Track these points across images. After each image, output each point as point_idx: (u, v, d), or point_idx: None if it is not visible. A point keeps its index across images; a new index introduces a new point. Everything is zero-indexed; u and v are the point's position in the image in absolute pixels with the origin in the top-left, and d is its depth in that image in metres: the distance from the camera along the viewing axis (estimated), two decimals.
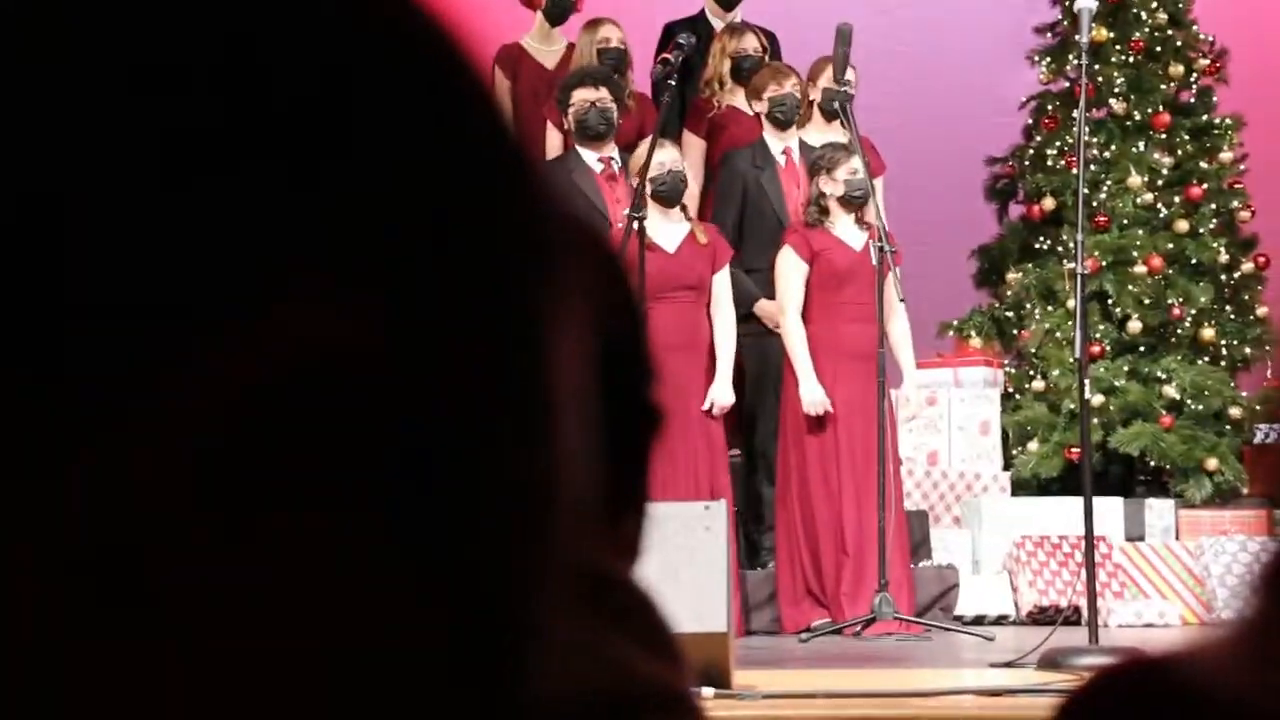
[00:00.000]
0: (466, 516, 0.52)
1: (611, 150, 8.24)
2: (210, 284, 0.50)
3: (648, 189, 7.73)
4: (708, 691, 4.92)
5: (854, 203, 7.89)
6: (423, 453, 0.51)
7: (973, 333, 10.13)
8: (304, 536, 0.50)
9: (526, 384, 0.54)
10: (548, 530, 0.54)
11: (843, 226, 7.94)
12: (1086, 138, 7.94)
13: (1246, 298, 10.25)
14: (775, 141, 8.45)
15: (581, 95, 8.20)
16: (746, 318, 8.15)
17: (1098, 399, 9.50)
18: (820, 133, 8.48)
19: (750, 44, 8.92)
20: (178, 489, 0.50)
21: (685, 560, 6.81)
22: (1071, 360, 8.37)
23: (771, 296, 8.07)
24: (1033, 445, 9.86)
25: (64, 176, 0.50)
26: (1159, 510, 9.38)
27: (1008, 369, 10.09)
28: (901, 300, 7.82)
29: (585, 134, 8.20)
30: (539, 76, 9.14)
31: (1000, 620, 8.58)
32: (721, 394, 7.88)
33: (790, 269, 7.91)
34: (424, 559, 0.52)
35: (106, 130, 0.50)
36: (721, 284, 7.94)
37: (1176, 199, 10.19)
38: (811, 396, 7.82)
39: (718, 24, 9.31)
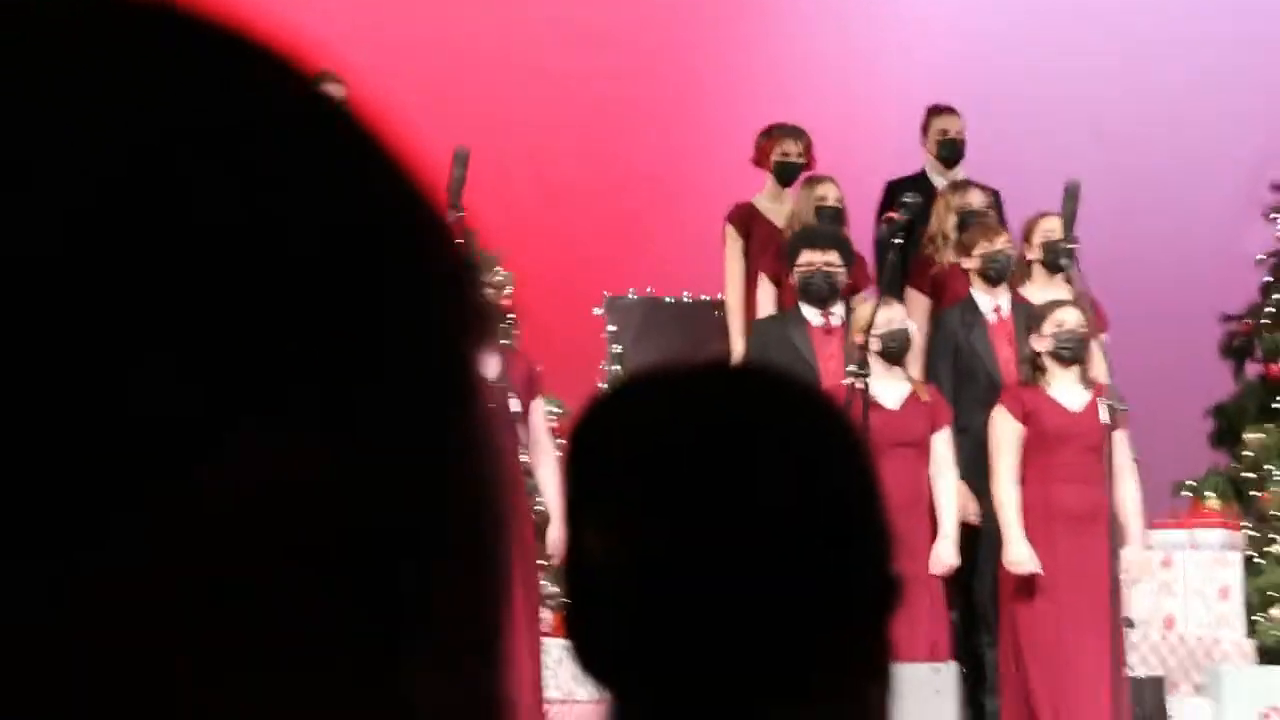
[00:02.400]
0: (415, 628, 0.54)
1: (834, 306, 8.24)
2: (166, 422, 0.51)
3: (873, 347, 7.70)
4: None
5: (1063, 358, 7.75)
6: (371, 580, 0.53)
7: (1209, 493, 9.88)
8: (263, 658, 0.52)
9: (472, 498, 0.55)
10: (496, 629, 0.56)
11: (1060, 385, 7.80)
12: None
13: None
14: (985, 298, 8.37)
15: (809, 257, 8.23)
16: None
17: None
18: (1041, 289, 8.39)
19: (976, 200, 8.89)
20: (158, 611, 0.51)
21: None
22: None
23: (982, 455, 7.95)
24: (1276, 611, 9.54)
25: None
26: None
27: (1247, 531, 9.81)
28: (1134, 460, 7.67)
29: (809, 295, 8.22)
30: (770, 236, 9.20)
31: None
32: (947, 554, 7.77)
33: (1002, 430, 7.79)
34: (375, 673, 0.53)
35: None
36: (943, 443, 7.86)
37: None
38: (1015, 558, 7.66)
39: (939, 182, 9.30)
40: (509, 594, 0.56)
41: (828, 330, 8.20)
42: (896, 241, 7.97)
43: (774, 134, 9.39)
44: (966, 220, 8.80)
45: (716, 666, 1.29)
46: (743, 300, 9.20)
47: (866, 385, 7.52)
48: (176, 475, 0.50)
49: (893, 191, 9.06)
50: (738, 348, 9.09)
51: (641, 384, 1.38)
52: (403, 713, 0.53)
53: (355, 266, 0.53)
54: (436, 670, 0.53)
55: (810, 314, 8.24)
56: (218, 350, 0.51)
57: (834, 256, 8.23)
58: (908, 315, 8.14)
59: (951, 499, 7.86)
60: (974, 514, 8.03)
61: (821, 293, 8.19)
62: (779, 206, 9.32)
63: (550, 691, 7.57)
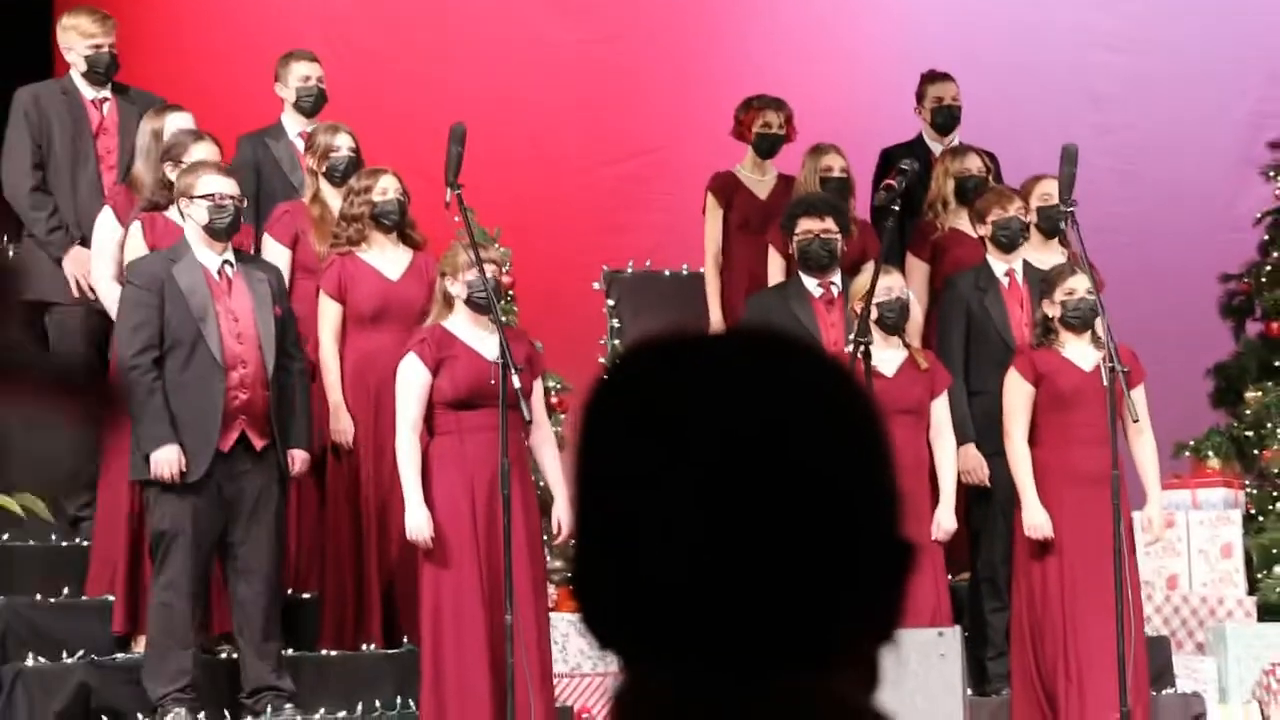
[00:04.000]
0: None
1: (834, 275, 8.23)
2: None
3: (872, 315, 7.70)
4: None
5: (1074, 324, 7.78)
6: None
7: (1211, 453, 9.89)
8: None
9: None
10: None
11: (1072, 347, 7.82)
12: None
13: None
14: (998, 264, 8.38)
15: (806, 225, 8.21)
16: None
17: None
18: (1037, 252, 8.39)
19: (974, 164, 8.88)
20: None
21: (920, 687, 6.69)
22: None
23: (997, 418, 7.96)
24: (1278, 569, 9.56)
25: None
26: None
27: (1249, 490, 9.82)
28: (1135, 420, 7.68)
29: (808, 263, 8.21)
30: (752, 206, 9.20)
31: None
32: (946, 519, 7.78)
33: (1015, 392, 7.81)
34: None
35: None
36: (941, 410, 7.88)
37: None
38: (1033, 520, 7.69)
39: (935, 148, 9.29)
40: None
41: (829, 300, 8.20)
42: (895, 208, 7.96)
43: (753, 106, 9.34)
44: (965, 185, 8.80)
45: (734, 633, 1.26)
46: (719, 269, 9.18)
47: (869, 352, 7.51)
48: None
49: (888, 159, 9.05)
50: (715, 317, 9.08)
51: (651, 352, 1.35)
52: None
53: None
54: None
55: (810, 284, 8.24)
56: None
57: (830, 224, 8.21)
58: (906, 283, 8.14)
59: (951, 464, 7.88)
60: (985, 477, 8.04)
61: (820, 260, 8.18)
62: (760, 178, 9.31)
63: (558, 665, 7.59)
